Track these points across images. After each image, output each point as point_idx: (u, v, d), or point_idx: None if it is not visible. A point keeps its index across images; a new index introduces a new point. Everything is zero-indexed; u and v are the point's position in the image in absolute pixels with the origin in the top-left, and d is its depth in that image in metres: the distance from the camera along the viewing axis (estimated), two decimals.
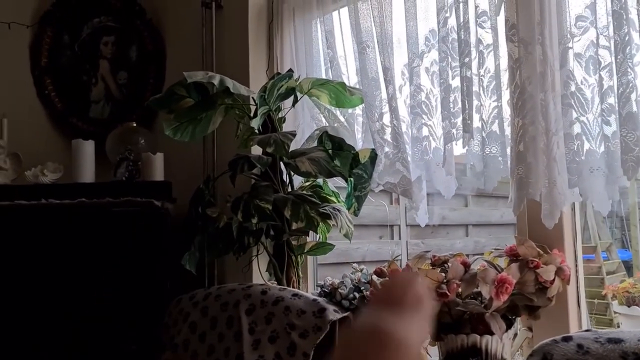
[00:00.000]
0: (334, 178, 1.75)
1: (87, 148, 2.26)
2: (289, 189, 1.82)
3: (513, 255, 1.36)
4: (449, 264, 1.39)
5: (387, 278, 1.46)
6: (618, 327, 2.81)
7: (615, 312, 2.89)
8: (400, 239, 3.50)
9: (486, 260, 1.39)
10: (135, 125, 2.42)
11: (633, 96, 1.19)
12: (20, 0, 2.60)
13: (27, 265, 2.00)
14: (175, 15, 2.57)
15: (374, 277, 1.55)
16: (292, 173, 1.80)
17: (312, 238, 1.94)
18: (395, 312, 0.28)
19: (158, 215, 2.04)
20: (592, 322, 2.86)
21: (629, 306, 2.67)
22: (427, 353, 1.54)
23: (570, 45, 1.29)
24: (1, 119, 2.34)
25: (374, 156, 1.73)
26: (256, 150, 1.88)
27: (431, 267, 1.40)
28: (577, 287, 1.44)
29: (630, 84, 1.19)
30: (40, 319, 1.98)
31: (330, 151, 1.71)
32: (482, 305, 1.29)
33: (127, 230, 2.02)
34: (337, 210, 1.66)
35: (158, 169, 2.22)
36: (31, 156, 2.33)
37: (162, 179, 2.22)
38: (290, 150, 1.67)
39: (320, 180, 1.86)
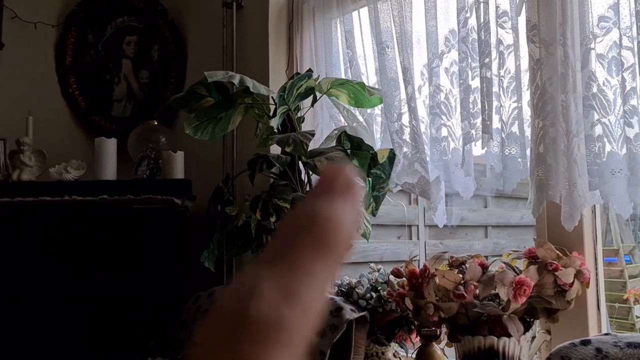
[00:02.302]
0: None
1: (110, 146, 2.30)
2: (307, 188, 1.83)
3: (532, 258, 1.35)
4: (466, 265, 1.38)
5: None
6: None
7: (637, 317, 2.85)
8: (418, 239, 3.49)
9: (504, 262, 1.38)
10: (156, 123, 2.45)
11: None
12: (45, 1, 2.65)
13: (50, 260, 2.04)
14: (196, 15, 2.60)
15: (391, 278, 1.55)
16: (311, 172, 1.80)
17: None
18: (325, 199, 0.29)
19: (178, 212, 2.07)
20: (613, 326, 2.81)
21: None
22: (444, 354, 1.54)
23: (592, 46, 1.28)
24: (27, 117, 2.39)
25: (392, 156, 1.72)
26: (275, 149, 1.89)
27: (449, 268, 1.40)
28: (597, 291, 1.42)
29: None
30: (60, 313, 2.02)
31: (348, 151, 1.71)
32: (500, 307, 1.28)
33: (148, 227, 2.05)
34: None
35: (178, 167, 2.25)
36: (55, 153, 2.38)
37: (182, 177, 2.24)
38: (309, 149, 1.68)
39: None
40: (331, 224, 0.29)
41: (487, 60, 1.46)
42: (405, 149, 1.69)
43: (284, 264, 0.28)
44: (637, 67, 1.21)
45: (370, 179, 1.76)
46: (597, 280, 1.42)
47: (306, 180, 1.84)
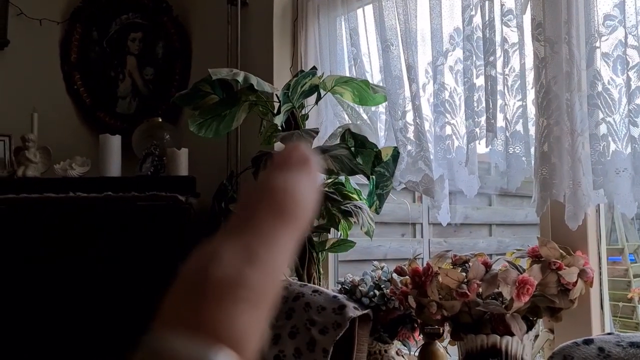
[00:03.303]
0: (356, 175, 1.75)
1: (114, 143, 2.31)
2: None
3: (535, 256, 1.35)
4: (470, 263, 1.38)
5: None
6: None
7: None
8: (422, 237, 3.49)
9: (508, 261, 1.38)
10: (160, 120, 2.46)
11: None
12: None
13: (54, 256, 2.05)
14: (201, 12, 2.60)
15: (395, 276, 1.56)
16: None
17: (333, 235, 1.94)
18: (281, 172, 0.31)
19: (182, 209, 2.07)
20: (617, 325, 2.81)
21: None
22: (447, 353, 1.54)
23: (597, 44, 1.27)
24: (32, 114, 2.40)
25: (396, 154, 1.72)
26: (279, 147, 1.89)
27: (452, 267, 1.40)
28: (601, 290, 1.42)
29: None
30: (63, 310, 2.03)
31: (352, 149, 1.71)
32: (503, 306, 1.28)
33: (152, 224, 2.06)
34: (359, 207, 1.67)
35: (182, 164, 2.25)
36: (60, 150, 2.39)
37: (186, 174, 2.25)
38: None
39: (342, 178, 1.86)
40: (287, 193, 0.31)
41: (491, 58, 1.45)
42: (409, 147, 1.69)
43: (245, 230, 0.29)
44: None
45: (374, 177, 1.76)
46: (600, 279, 1.42)
47: None
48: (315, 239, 1.85)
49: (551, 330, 1.46)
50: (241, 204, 0.31)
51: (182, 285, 0.28)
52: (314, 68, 1.89)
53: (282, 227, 0.30)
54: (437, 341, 1.53)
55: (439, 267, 1.38)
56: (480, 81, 1.50)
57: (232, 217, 0.31)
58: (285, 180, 0.31)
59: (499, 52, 1.45)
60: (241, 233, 0.29)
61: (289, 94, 1.78)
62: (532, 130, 1.40)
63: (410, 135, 1.69)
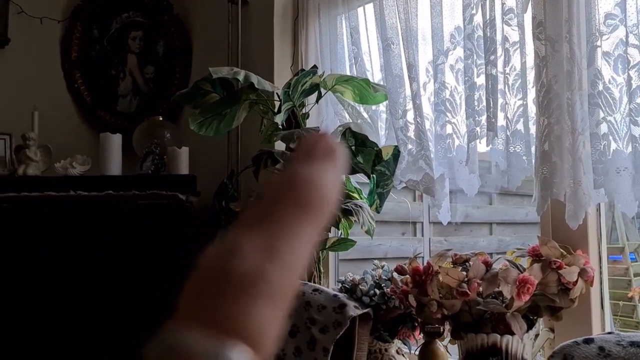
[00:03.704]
0: (357, 174, 1.75)
1: (115, 141, 2.31)
2: None
3: (536, 256, 1.35)
4: (470, 262, 1.38)
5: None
6: None
7: None
8: (423, 236, 3.49)
9: (508, 260, 1.38)
10: (161, 119, 2.46)
11: None
12: None
13: (55, 255, 2.06)
14: (201, 11, 2.60)
15: (395, 275, 1.56)
16: None
17: (333, 234, 1.95)
18: (305, 163, 0.30)
19: (182, 208, 2.07)
20: (617, 324, 2.81)
21: None
22: (447, 352, 1.54)
23: (598, 43, 1.27)
24: (32, 112, 2.40)
25: (397, 153, 1.72)
26: (280, 145, 1.89)
27: (452, 266, 1.40)
28: (601, 289, 1.42)
29: None
30: (63, 309, 2.03)
31: (353, 147, 1.71)
32: (503, 305, 1.28)
33: (152, 223, 2.06)
34: (359, 206, 1.67)
35: (183, 163, 2.25)
36: (61, 148, 2.39)
37: (187, 173, 2.25)
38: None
39: (342, 176, 1.86)
40: (311, 185, 0.29)
41: (492, 57, 1.45)
42: (409, 146, 1.69)
43: (266, 223, 0.28)
44: None
45: (374, 175, 1.76)
46: (601, 278, 1.42)
47: None
48: None
49: (551, 329, 1.46)
50: (262, 195, 0.30)
51: (200, 279, 0.28)
52: (315, 67, 1.89)
53: (305, 221, 0.29)
54: (437, 340, 1.53)
55: (440, 266, 1.38)
56: (481, 80, 1.50)
57: (251, 207, 0.30)
58: (311, 172, 0.30)
59: (499, 50, 1.45)
60: (261, 226, 0.28)
61: (290, 92, 1.78)
62: (532, 129, 1.40)
63: (411, 134, 1.69)
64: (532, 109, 1.41)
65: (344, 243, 1.86)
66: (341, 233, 1.90)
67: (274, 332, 0.27)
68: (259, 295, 0.27)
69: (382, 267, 1.69)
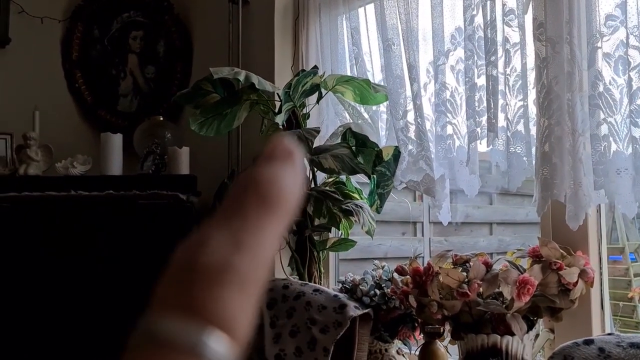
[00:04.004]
0: (357, 175, 1.76)
1: (116, 141, 2.31)
2: (312, 185, 1.83)
3: (536, 256, 1.35)
4: (470, 263, 1.38)
5: None
6: None
7: None
8: (423, 236, 3.49)
9: (509, 261, 1.38)
10: (162, 119, 2.46)
11: None
12: None
13: (55, 255, 2.06)
14: (202, 10, 2.60)
15: (395, 275, 1.56)
16: (316, 169, 1.81)
17: (334, 234, 1.95)
18: (266, 164, 0.33)
19: (183, 208, 2.07)
20: (617, 325, 2.81)
21: None
22: (447, 352, 1.54)
23: (599, 44, 1.27)
24: (33, 112, 2.40)
25: (397, 154, 1.73)
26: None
27: (453, 267, 1.40)
28: (601, 290, 1.42)
29: None
30: (63, 309, 2.03)
31: (353, 148, 1.72)
32: (504, 306, 1.29)
33: (153, 223, 2.06)
34: (360, 207, 1.67)
35: (184, 163, 2.25)
36: (62, 148, 2.39)
37: (187, 173, 2.25)
38: (314, 146, 1.68)
39: (343, 177, 1.86)
40: (272, 184, 0.32)
41: (493, 58, 1.45)
42: (410, 147, 1.69)
43: (232, 219, 0.31)
44: None
45: (375, 176, 1.76)
46: (601, 279, 1.42)
47: (311, 177, 1.85)
48: (316, 238, 1.85)
49: (551, 330, 1.46)
50: (229, 196, 0.33)
51: (173, 271, 0.30)
52: (315, 67, 1.89)
53: (267, 215, 0.31)
54: (437, 340, 1.54)
55: (440, 267, 1.39)
56: (481, 81, 1.50)
57: (220, 207, 0.32)
58: (270, 172, 0.33)
59: (500, 51, 1.45)
60: (228, 222, 0.31)
61: (290, 93, 1.78)
62: (533, 130, 1.41)
63: (412, 134, 1.69)
64: (533, 110, 1.41)
65: (344, 243, 1.87)
66: (341, 233, 1.91)
67: (246, 318, 0.29)
68: (229, 283, 0.29)
69: (383, 267, 1.69)
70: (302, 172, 0.34)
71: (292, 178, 0.33)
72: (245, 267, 0.29)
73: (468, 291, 1.29)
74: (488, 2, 1.47)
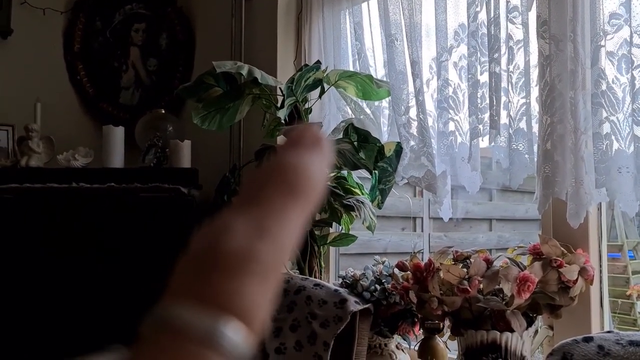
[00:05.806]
0: (359, 170, 1.76)
1: (117, 134, 2.31)
2: None
3: (536, 254, 1.36)
4: (471, 260, 1.39)
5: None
6: None
7: (639, 313, 2.85)
8: (422, 231, 3.49)
9: (509, 258, 1.39)
10: (163, 112, 2.46)
11: None
12: None
13: (56, 247, 2.06)
14: (205, 4, 2.60)
15: (396, 271, 1.56)
16: None
17: (335, 229, 1.95)
18: (293, 151, 0.32)
19: (184, 201, 2.08)
20: (615, 322, 2.82)
21: None
22: (447, 347, 1.55)
23: (602, 43, 1.27)
24: (35, 103, 2.40)
25: (399, 150, 1.73)
26: (282, 140, 1.89)
27: (453, 263, 1.41)
28: (601, 288, 1.43)
29: None
30: (65, 301, 2.04)
31: (355, 143, 1.72)
32: (503, 303, 1.29)
33: (154, 216, 2.06)
34: (361, 202, 1.67)
35: (185, 156, 2.25)
36: (63, 140, 2.39)
37: (189, 166, 2.25)
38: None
39: (344, 172, 1.87)
40: (299, 171, 0.31)
41: (496, 55, 1.45)
42: (412, 143, 1.70)
43: (256, 206, 0.30)
44: None
45: (376, 172, 1.76)
46: (601, 277, 1.42)
47: None
48: (317, 232, 1.86)
49: (551, 327, 1.47)
50: (252, 181, 0.31)
51: (192, 257, 0.29)
52: (318, 62, 1.89)
53: (293, 203, 0.30)
54: (437, 336, 1.55)
55: (441, 263, 1.39)
56: (484, 78, 1.50)
57: (242, 192, 0.31)
58: (297, 158, 0.31)
59: (503, 49, 1.45)
60: (251, 207, 0.30)
61: (293, 87, 1.78)
62: (535, 127, 1.41)
63: (414, 130, 1.69)
64: (535, 108, 1.41)
65: (345, 238, 1.87)
66: (342, 228, 1.91)
67: (265, 308, 0.28)
68: (250, 272, 0.28)
69: (383, 262, 1.70)
70: (329, 161, 0.33)
71: (319, 166, 0.32)
72: (268, 256, 0.28)
73: (468, 287, 1.30)
74: None
